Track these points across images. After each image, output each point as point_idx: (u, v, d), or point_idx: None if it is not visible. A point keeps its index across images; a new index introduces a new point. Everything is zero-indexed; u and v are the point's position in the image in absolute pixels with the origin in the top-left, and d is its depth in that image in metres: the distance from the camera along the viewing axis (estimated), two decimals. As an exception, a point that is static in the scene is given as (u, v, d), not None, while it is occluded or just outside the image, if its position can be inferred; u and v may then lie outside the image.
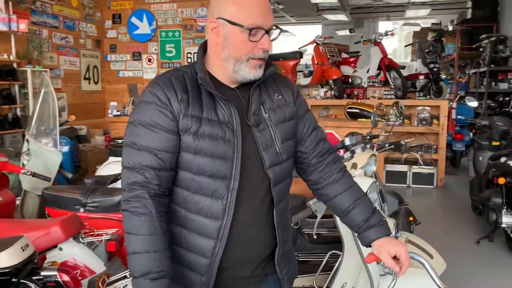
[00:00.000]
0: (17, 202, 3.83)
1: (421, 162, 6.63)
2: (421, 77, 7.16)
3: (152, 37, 8.07)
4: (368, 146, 2.96)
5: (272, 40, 1.30)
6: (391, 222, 2.32)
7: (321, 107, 7.40)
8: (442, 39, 10.69)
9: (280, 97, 1.39)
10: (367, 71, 7.32)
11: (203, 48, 1.36)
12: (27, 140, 4.04)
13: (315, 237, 2.60)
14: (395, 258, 1.36)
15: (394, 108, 3.64)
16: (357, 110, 5.86)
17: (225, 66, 1.29)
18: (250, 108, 1.31)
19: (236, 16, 1.23)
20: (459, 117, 7.36)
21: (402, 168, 6.63)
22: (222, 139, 1.25)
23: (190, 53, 7.86)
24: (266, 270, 1.41)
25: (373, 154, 2.74)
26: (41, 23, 6.86)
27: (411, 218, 3.40)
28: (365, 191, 2.22)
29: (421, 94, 7.10)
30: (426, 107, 6.80)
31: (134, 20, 8.12)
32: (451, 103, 7.18)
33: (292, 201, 2.73)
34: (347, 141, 3.04)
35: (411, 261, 1.47)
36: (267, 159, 1.31)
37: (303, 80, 7.68)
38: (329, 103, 7.28)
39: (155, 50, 8.11)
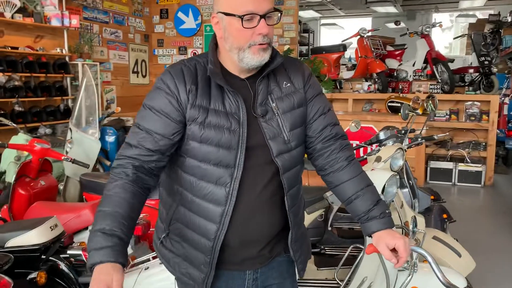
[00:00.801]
0: (61, 187, 4.08)
1: (468, 160, 6.36)
2: (471, 70, 6.80)
3: (197, 31, 8.25)
4: (399, 140, 2.88)
5: (272, 24, 1.30)
6: (408, 217, 2.26)
7: (364, 101, 7.27)
8: (500, 31, 10.09)
9: (289, 84, 1.40)
10: (413, 65, 7.08)
11: (215, 40, 1.39)
12: (70, 129, 4.28)
13: (329, 228, 2.57)
14: (395, 250, 1.34)
15: (430, 102, 3.51)
16: (398, 104, 5.69)
17: (231, 57, 1.33)
18: (256, 99, 1.34)
19: (229, 6, 1.27)
20: (511, 113, 6.96)
21: (447, 165, 6.34)
22: (227, 130, 1.29)
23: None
24: (275, 251, 1.45)
25: (400, 148, 2.66)
26: (92, 19, 7.20)
27: (444, 216, 3.28)
28: (382, 184, 2.19)
29: (471, 88, 6.76)
30: (476, 102, 6.49)
31: (180, 15, 8.34)
32: (502, 98, 6.79)
33: (314, 194, 2.74)
34: (382, 135, 2.97)
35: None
36: (275, 147, 1.34)
37: (346, 73, 7.55)
38: (372, 97, 7.14)
39: (200, 44, 8.28)
